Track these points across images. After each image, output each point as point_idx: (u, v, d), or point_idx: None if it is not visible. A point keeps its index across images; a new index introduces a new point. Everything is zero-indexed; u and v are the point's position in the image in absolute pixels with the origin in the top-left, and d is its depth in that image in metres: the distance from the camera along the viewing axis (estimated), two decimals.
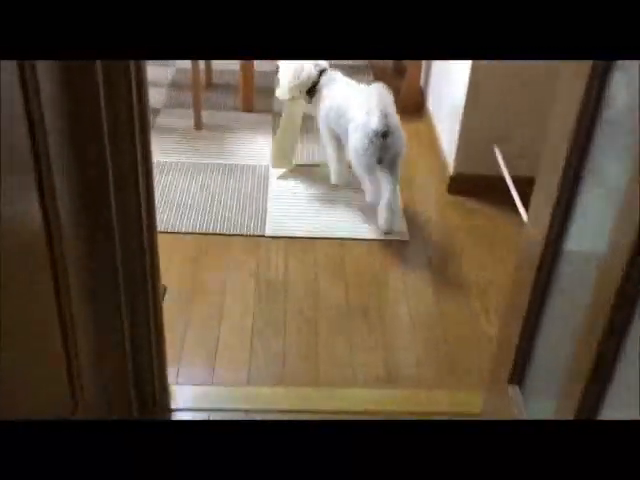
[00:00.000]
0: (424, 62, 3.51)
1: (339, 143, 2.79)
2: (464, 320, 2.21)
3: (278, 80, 2.85)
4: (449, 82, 3.02)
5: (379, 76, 3.61)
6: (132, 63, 1.32)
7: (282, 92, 2.84)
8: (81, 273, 1.37)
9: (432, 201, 2.85)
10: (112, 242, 1.44)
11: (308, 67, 2.78)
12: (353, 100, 2.63)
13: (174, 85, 3.61)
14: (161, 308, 1.71)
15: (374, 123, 2.46)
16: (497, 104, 2.71)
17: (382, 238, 2.56)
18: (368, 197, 2.71)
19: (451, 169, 2.89)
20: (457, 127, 2.80)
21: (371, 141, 2.48)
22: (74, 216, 1.32)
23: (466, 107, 2.72)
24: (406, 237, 2.59)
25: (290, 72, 2.78)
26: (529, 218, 1.55)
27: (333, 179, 2.88)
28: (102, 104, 1.28)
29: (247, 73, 3.33)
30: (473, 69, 2.65)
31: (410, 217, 2.70)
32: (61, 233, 1.22)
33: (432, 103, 3.40)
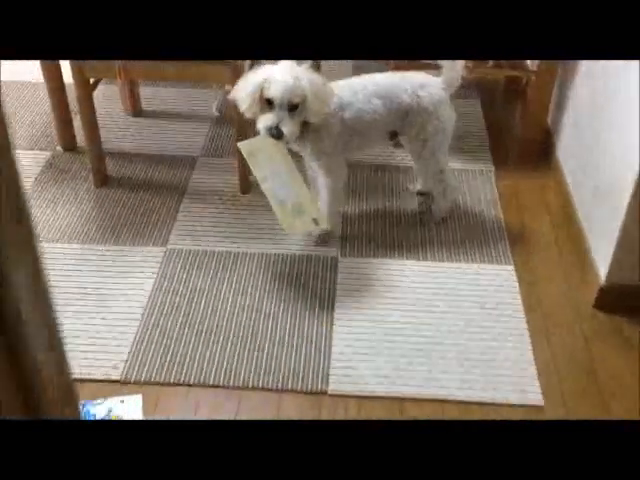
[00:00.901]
0: (556, 86, 2.55)
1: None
2: None
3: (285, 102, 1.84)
4: (604, 131, 2.08)
5: (486, 99, 2.71)
6: None
7: (316, 113, 1.90)
8: None
9: (572, 324, 1.95)
10: None
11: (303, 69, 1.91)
12: (391, 86, 2.07)
13: (221, 119, 2.79)
14: None
15: (450, 86, 2.11)
16: None
17: (506, 402, 1.70)
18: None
19: (602, 275, 1.98)
20: (617, 217, 1.89)
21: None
22: None
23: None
24: (538, 398, 1.72)
25: (319, 83, 1.89)
26: None
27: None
28: None
29: None
30: None
31: (540, 353, 1.83)
32: None
33: (565, 152, 2.46)
